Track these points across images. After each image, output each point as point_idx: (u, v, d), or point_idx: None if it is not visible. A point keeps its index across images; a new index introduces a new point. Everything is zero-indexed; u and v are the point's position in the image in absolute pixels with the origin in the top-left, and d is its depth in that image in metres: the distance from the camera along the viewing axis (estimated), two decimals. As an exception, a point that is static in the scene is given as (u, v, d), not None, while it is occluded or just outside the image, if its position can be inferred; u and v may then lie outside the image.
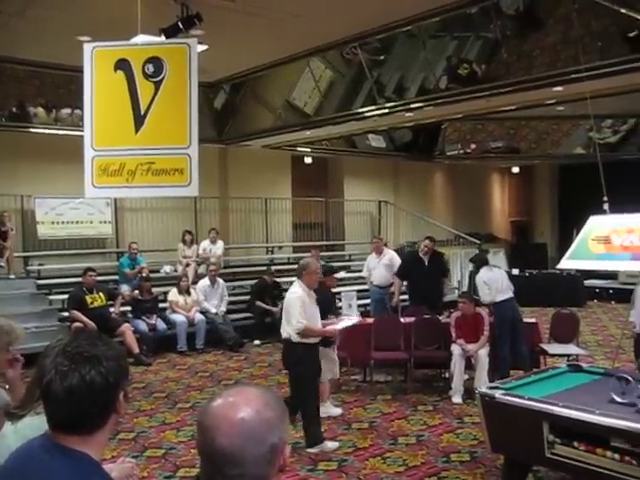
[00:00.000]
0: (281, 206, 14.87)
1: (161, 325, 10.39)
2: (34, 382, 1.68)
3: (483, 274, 8.17)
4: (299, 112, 11.34)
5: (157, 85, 6.30)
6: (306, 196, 15.50)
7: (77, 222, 11.92)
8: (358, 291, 10.29)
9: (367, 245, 13.33)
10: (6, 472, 1.60)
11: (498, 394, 4.56)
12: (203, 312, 10.81)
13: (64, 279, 10.89)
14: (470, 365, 7.62)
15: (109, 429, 1.63)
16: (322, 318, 6.23)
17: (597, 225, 4.88)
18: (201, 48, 7.54)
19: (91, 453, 1.58)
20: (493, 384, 5.08)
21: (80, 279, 9.88)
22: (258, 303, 11.30)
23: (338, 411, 6.99)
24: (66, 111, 11.17)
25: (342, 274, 12.10)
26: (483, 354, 7.43)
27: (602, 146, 14.53)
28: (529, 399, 4.39)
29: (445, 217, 17.56)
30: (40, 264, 11.44)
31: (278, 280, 11.91)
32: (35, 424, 1.82)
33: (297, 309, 5.74)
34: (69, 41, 8.26)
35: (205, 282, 11.13)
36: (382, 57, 9.75)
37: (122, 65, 6.31)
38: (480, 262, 8.61)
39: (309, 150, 15.06)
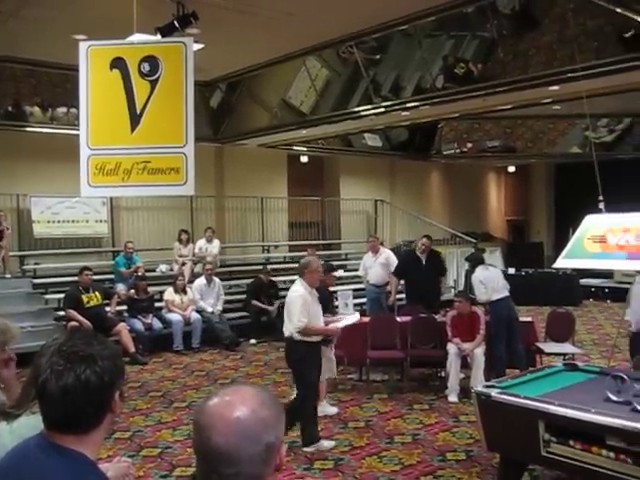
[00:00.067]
0: (277, 205, 14.87)
1: (157, 324, 10.38)
2: (30, 381, 1.68)
3: (479, 273, 8.17)
4: (295, 111, 11.34)
5: (153, 84, 6.30)
6: (302, 195, 15.51)
7: (73, 221, 11.90)
8: (354, 290, 10.31)
9: (363, 244, 13.36)
10: (2, 471, 1.60)
11: (494, 393, 4.56)
12: (199, 311, 10.81)
13: (60, 278, 10.90)
14: (466, 364, 7.63)
15: (105, 428, 1.63)
16: (320, 316, 6.23)
17: (593, 224, 4.89)
18: (197, 47, 7.53)
19: (87, 452, 1.57)
20: (489, 383, 5.08)
21: (76, 278, 9.87)
22: (254, 302, 11.30)
23: (334, 410, 7.00)
24: (62, 110, 11.15)
25: (340, 272, 12.12)
26: (479, 353, 7.44)
27: (598, 145, 14.53)
28: (525, 398, 4.40)
29: (441, 216, 17.57)
30: (36, 263, 11.44)
31: (274, 279, 11.93)
32: (31, 423, 1.82)
33: (298, 308, 5.73)
34: (65, 40, 8.24)
35: (201, 281, 11.13)
36: (378, 56, 9.75)
37: (118, 64, 6.31)
38: (476, 261, 8.62)
39: (305, 149, 15.05)
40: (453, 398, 7.40)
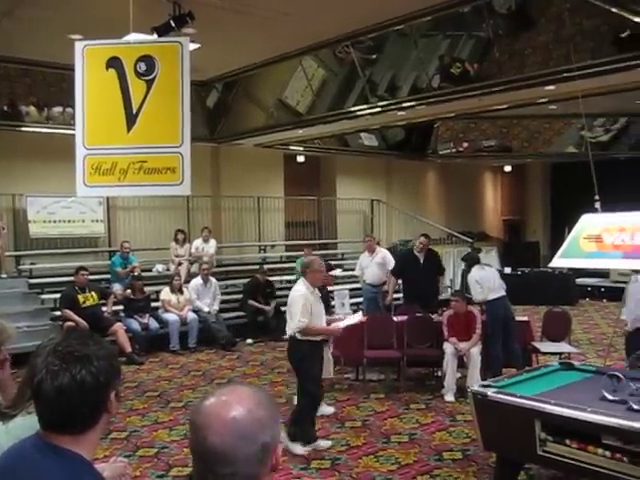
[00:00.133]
0: (273, 205, 14.86)
1: (153, 324, 10.37)
2: (25, 382, 1.68)
3: (475, 273, 8.18)
4: (291, 111, 11.33)
5: (149, 84, 6.28)
6: (298, 195, 15.50)
7: (69, 221, 11.88)
8: (350, 290, 10.32)
9: (359, 244, 13.35)
10: (-2, 472, 1.60)
11: (490, 392, 4.57)
12: (196, 311, 10.80)
13: (56, 278, 10.87)
14: (462, 363, 7.64)
15: (101, 428, 1.63)
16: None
17: (589, 224, 4.89)
18: (193, 47, 7.53)
19: (83, 453, 1.57)
20: (485, 382, 5.08)
21: (72, 278, 9.85)
22: (250, 302, 11.30)
23: (331, 410, 7.00)
24: (58, 109, 11.12)
25: (338, 272, 12.13)
26: (475, 352, 7.45)
27: (594, 145, 14.59)
28: (521, 397, 4.41)
29: (438, 216, 17.59)
30: (32, 263, 11.41)
31: (270, 279, 11.92)
32: (27, 424, 1.82)
33: (299, 308, 5.72)
34: (61, 39, 8.23)
35: (198, 281, 11.12)
36: (374, 56, 9.75)
37: (114, 63, 6.29)
38: (472, 261, 8.63)
39: (301, 149, 15.05)
40: (450, 397, 7.41)
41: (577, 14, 7.26)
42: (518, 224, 20.92)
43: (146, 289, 10.85)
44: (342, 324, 6.36)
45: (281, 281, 12.89)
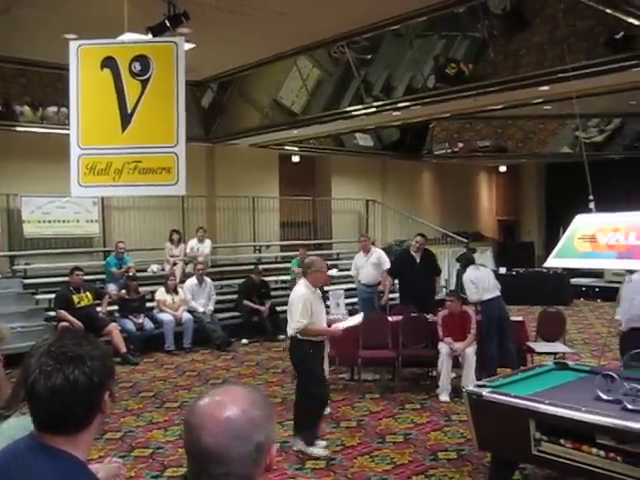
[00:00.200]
0: (268, 205, 14.85)
1: (148, 324, 10.35)
2: (19, 382, 1.68)
3: (470, 273, 8.19)
4: (286, 111, 11.33)
5: (144, 83, 6.28)
6: (294, 195, 15.50)
7: (64, 221, 11.84)
8: (346, 290, 10.32)
9: (355, 244, 13.36)
10: (-8, 473, 1.59)
11: (485, 392, 4.58)
12: (191, 311, 10.78)
13: (50, 278, 10.84)
14: (457, 363, 7.65)
15: (95, 429, 1.63)
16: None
17: (583, 224, 4.90)
18: (188, 46, 7.52)
19: (77, 453, 1.57)
20: (480, 382, 5.09)
21: (67, 278, 9.83)
22: (246, 302, 11.29)
23: (326, 410, 6.99)
24: (52, 109, 11.09)
25: (334, 272, 12.13)
26: (470, 352, 7.46)
27: (588, 145, 14.59)
28: (516, 397, 4.42)
29: (433, 216, 17.61)
30: (26, 263, 11.37)
31: (266, 279, 11.92)
32: (21, 424, 1.81)
33: (299, 308, 5.71)
34: (56, 39, 8.21)
35: (193, 281, 11.11)
36: (370, 56, 9.75)
37: (108, 63, 6.29)
38: (466, 261, 8.64)
39: (296, 149, 15.04)
40: (444, 397, 7.42)
41: (571, 15, 7.28)
42: (513, 224, 20.96)
43: (141, 289, 10.84)
44: (342, 325, 6.34)
45: (276, 281, 12.89)
